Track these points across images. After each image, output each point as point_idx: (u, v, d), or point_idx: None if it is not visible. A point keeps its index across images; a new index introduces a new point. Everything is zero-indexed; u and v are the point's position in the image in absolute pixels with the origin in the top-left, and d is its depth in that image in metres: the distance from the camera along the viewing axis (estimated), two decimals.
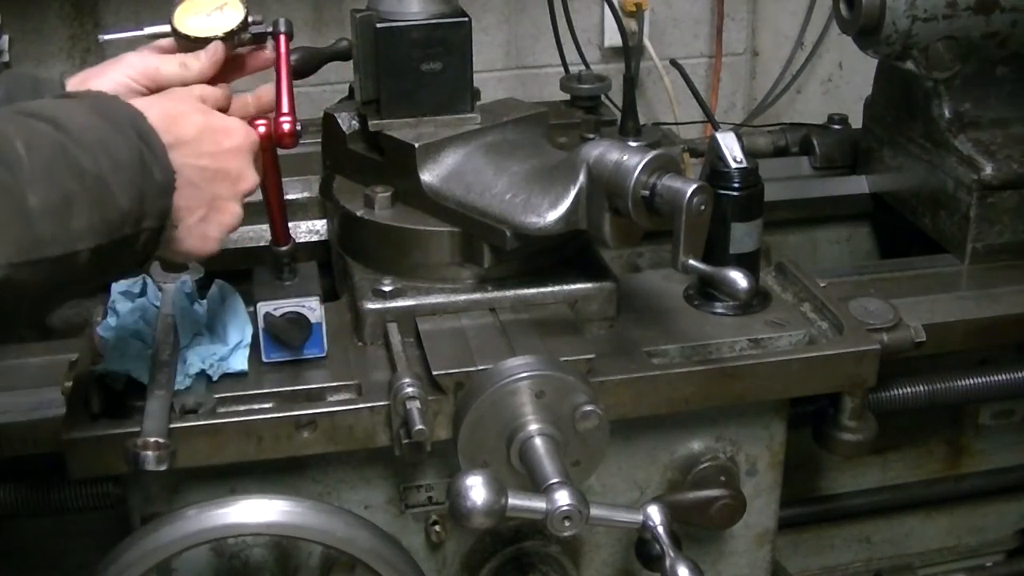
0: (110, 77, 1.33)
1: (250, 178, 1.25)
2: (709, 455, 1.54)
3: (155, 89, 1.33)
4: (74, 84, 1.32)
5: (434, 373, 1.35)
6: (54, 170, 1.01)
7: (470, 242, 1.47)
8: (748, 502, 1.50)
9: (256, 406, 1.36)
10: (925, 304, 1.67)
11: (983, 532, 2.05)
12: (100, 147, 1.06)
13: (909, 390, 1.69)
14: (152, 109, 1.16)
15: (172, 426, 1.26)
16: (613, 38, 2.75)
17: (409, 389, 1.32)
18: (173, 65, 1.34)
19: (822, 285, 1.60)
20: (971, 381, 1.72)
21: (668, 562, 1.28)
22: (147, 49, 1.37)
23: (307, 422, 1.34)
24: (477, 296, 1.47)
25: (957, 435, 1.95)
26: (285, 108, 1.33)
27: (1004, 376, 1.74)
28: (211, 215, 1.21)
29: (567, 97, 1.99)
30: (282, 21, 1.39)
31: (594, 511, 1.23)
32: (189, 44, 1.35)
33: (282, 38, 1.39)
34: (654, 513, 1.30)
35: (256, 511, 1.29)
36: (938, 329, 1.61)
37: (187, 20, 1.36)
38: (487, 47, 2.72)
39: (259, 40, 1.40)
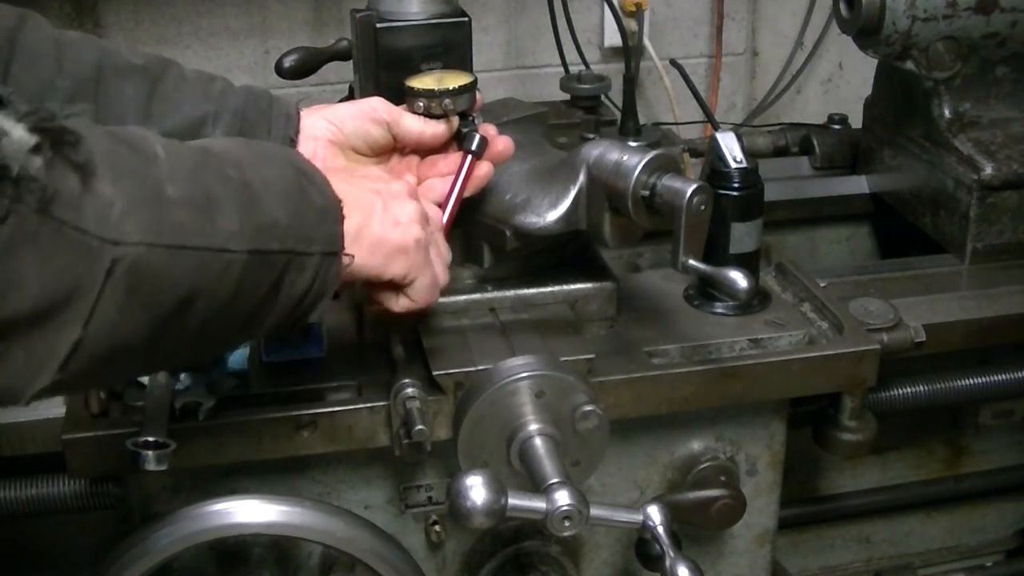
0: (356, 107, 1.37)
1: (399, 183, 1.23)
2: (709, 455, 1.54)
3: (393, 130, 1.35)
4: (313, 110, 1.37)
5: (434, 373, 1.35)
6: (195, 171, 0.97)
7: (470, 242, 1.47)
8: (748, 502, 1.50)
9: (256, 406, 1.36)
10: (925, 304, 1.67)
11: (983, 532, 2.05)
12: (247, 164, 1.03)
13: (909, 390, 1.69)
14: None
15: (172, 426, 1.26)
16: (613, 38, 2.75)
17: (409, 389, 1.32)
18: (416, 120, 1.35)
19: (822, 285, 1.60)
20: (971, 381, 1.72)
21: (668, 562, 1.28)
22: None
23: (307, 422, 1.34)
24: (477, 296, 1.47)
25: (957, 435, 1.95)
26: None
27: (1004, 376, 1.74)
28: (389, 215, 1.18)
29: (567, 97, 1.99)
30: (477, 139, 1.35)
31: (594, 511, 1.23)
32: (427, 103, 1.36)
33: (470, 157, 1.36)
34: (654, 513, 1.30)
35: (256, 511, 1.29)
36: (938, 329, 1.61)
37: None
38: (487, 47, 2.71)
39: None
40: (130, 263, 0.88)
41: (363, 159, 1.38)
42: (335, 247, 1.10)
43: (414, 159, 1.40)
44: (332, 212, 1.10)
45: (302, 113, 1.37)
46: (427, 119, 1.36)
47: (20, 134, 0.81)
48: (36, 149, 0.81)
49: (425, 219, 1.22)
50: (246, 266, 0.99)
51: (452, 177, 1.35)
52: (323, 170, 1.14)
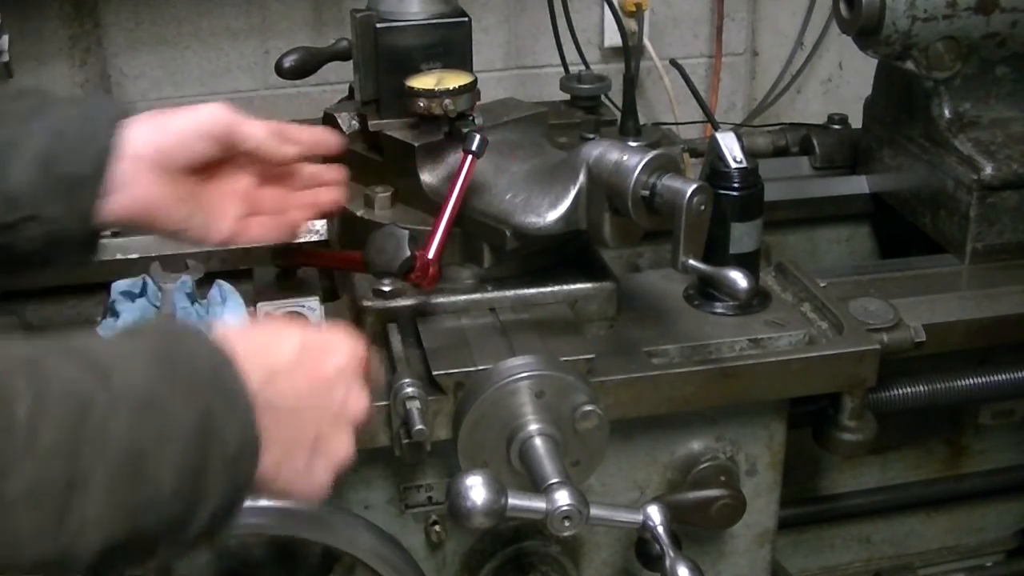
0: (189, 117, 1.21)
1: (357, 402, 1.03)
2: (709, 455, 1.54)
3: (230, 139, 1.21)
4: (143, 119, 1.19)
5: (434, 373, 1.35)
6: (61, 442, 0.80)
7: (470, 242, 1.47)
8: (748, 502, 1.50)
9: None
10: (925, 304, 1.67)
11: (983, 532, 2.05)
12: (145, 407, 0.85)
13: (909, 390, 1.69)
14: (242, 340, 0.94)
15: None
16: (613, 38, 2.75)
17: (409, 389, 1.32)
18: (259, 127, 1.23)
19: (822, 285, 1.60)
20: (971, 381, 1.72)
21: (668, 562, 1.28)
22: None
23: None
24: (477, 296, 1.47)
25: (957, 435, 1.95)
26: (435, 248, 1.29)
27: (1004, 376, 1.74)
28: (317, 456, 1.01)
29: (567, 97, 1.99)
30: (476, 139, 1.33)
31: (594, 511, 1.23)
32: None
33: (470, 157, 1.34)
34: (654, 513, 1.30)
35: (257, 511, 1.29)
36: (938, 329, 1.61)
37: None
38: (487, 47, 2.71)
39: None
40: None
41: (189, 180, 1.22)
42: (238, 495, 0.92)
43: (249, 180, 1.27)
44: (248, 451, 0.91)
45: (134, 122, 1.19)
46: (276, 132, 1.25)
47: None
48: None
49: (346, 460, 1.05)
50: (98, 555, 0.83)
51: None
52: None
